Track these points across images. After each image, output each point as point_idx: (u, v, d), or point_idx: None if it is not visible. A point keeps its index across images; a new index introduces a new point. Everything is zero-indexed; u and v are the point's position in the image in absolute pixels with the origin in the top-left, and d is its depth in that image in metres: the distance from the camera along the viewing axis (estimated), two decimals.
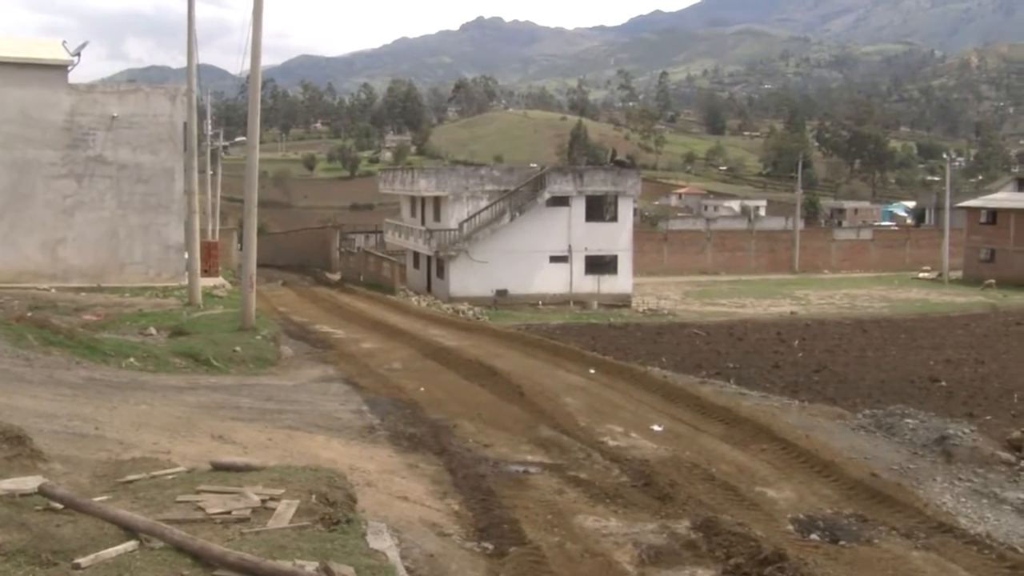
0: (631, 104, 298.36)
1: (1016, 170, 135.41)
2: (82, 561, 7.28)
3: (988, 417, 24.41)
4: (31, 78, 42.91)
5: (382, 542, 9.31)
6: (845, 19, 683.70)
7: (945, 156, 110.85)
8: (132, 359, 23.77)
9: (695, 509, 14.01)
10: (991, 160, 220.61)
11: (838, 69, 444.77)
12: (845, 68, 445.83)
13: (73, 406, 16.00)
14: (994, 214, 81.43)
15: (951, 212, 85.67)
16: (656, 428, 20.36)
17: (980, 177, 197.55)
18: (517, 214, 61.61)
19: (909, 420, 21.53)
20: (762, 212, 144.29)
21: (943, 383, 30.34)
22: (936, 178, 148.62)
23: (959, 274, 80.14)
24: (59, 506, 8.60)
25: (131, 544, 7.72)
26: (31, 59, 43.69)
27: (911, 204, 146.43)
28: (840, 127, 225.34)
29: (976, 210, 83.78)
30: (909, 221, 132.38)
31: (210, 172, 67.83)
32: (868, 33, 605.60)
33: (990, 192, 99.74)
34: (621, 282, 63.47)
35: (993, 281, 74.35)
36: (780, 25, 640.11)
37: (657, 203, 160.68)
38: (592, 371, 28.53)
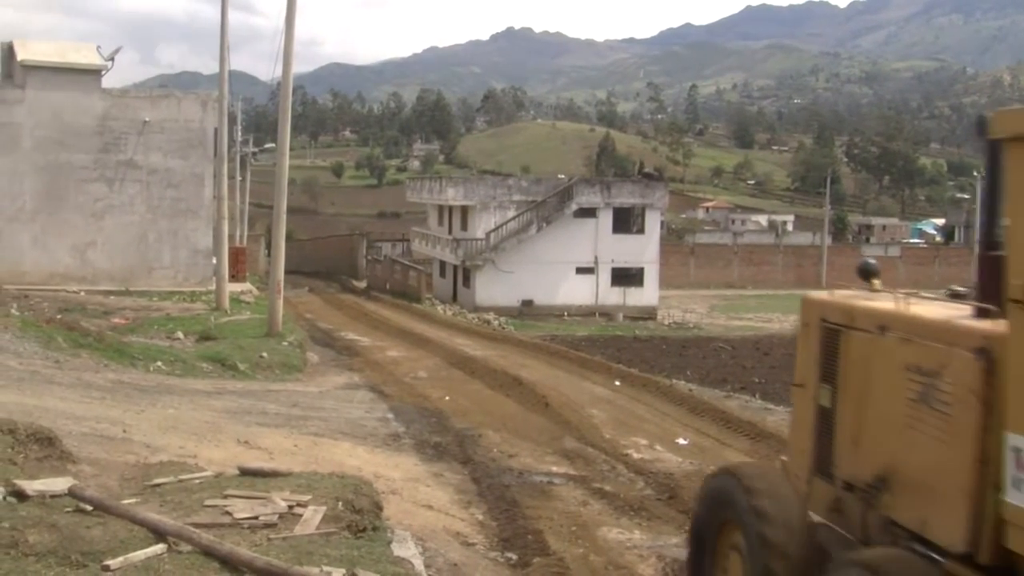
0: (660, 117, 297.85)
1: None
2: (111, 563, 7.34)
3: None
4: (65, 82, 43.24)
5: (407, 550, 9.36)
6: (876, 35, 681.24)
7: (975, 174, 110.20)
8: (160, 363, 23.90)
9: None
10: None
11: (868, 85, 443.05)
12: (875, 84, 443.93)
13: (101, 408, 16.12)
14: None
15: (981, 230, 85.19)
16: (681, 441, 20.30)
17: None
18: (544, 225, 61.65)
19: None
20: (790, 227, 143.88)
21: None
22: (966, 196, 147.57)
23: None
24: (88, 508, 8.67)
25: (159, 547, 7.78)
26: (66, 64, 44.04)
27: (940, 222, 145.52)
28: (869, 143, 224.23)
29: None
30: (938, 239, 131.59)
31: (239, 178, 68.21)
32: (899, 49, 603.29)
33: None
34: (647, 294, 63.42)
35: None
36: (810, 40, 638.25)
37: (684, 216, 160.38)
38: (617, 383, 28.48)
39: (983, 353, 6.45)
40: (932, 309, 7.74)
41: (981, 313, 6.81)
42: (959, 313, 7.35)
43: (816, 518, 8.54)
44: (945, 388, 6.85)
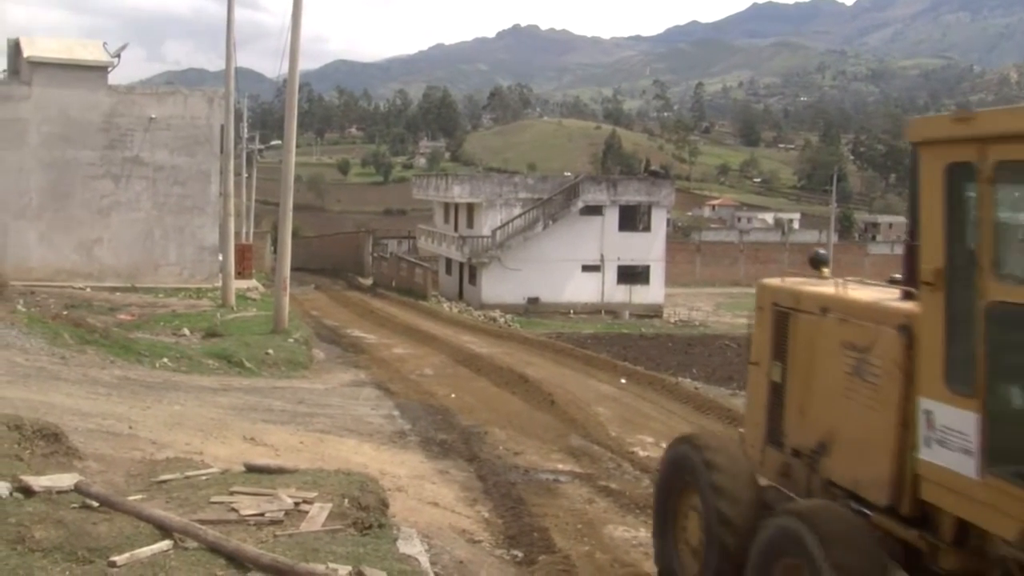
0: (666, 114, 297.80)
1: None
2: (117, 559, 7.35)
3: None
4: (72, 79, 43.27)
5: (413, 547, 9.34)
6: (883, 33, 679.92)
7: None
8: (166, 359, 23.92)
9: None
10: None
11: (875, 83, 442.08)
12: (882, 82, 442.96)
13: (107, 405, 16.13)
14: None
15: None
16: None
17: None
18: (550, 222, 61.65)
19: None
20: (796, 225, 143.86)
21: None
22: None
23: None
24: (95, 504, 8.68)
25: (166, 544, 7.78)
26: (72, 60, 44.07)
27: None
28: (876, 141, 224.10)
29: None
30: None
31: (245, 175, 68.24)
32: (906, 47, 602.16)
33: None
34: (653, 292, 63.41)
35: None
36: (817, 38, 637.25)
37: (690, 214, 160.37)
38: (623, 381, 28.48)
39: (904, 330, 7.47)
40: (866, 293, 8.87)
41: (906, 296, 7.84)
42: (888, 296, 8.41)
43: (767, 482, 9.53)
44: (874, 362, 7.90)
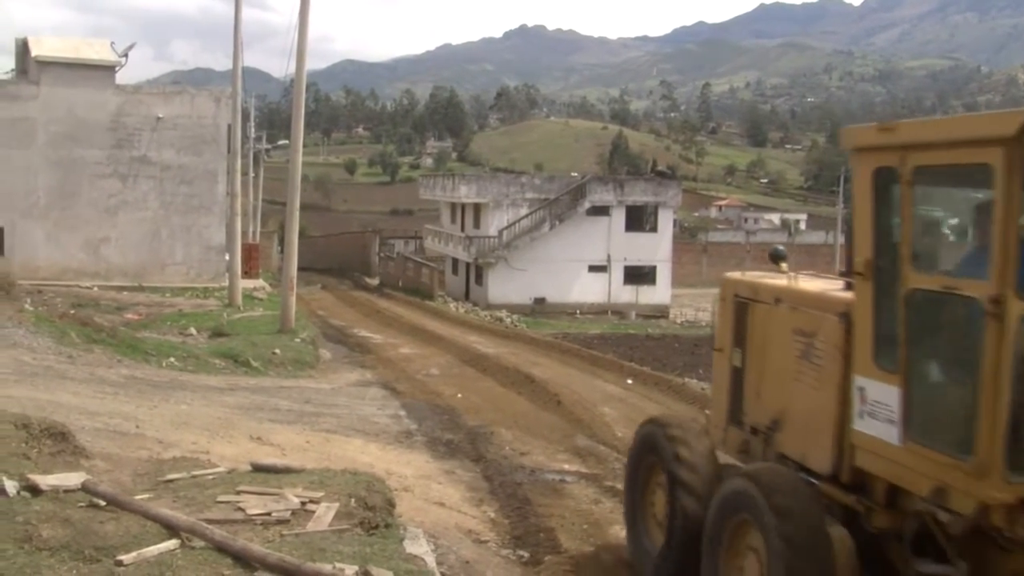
0: (672, 115, 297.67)
1: None
2: (124, 558, 7.36)
3: None
4: (79, 78, 43.41)
5: (419, 547, 9.35)
6: (890, 33, 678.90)
7: None
8: (172, 359, 23.96)
9: None
10: None
11: (882, 84, 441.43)
12: (889, 83, 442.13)
13: (114, 404, 16.16)
14: None
15: None
16: None
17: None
18: (557, 223, 61.64)
19: None
20: (803, 226, 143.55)
21: None
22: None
23: None
24: (102, 503, 8.69)
25: (172, 543, 7.80)
26: (80, 60, 44.21)
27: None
28: None
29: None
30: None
31: (252, 175, 68.30)
32: (913, 48, 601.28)
33: None
34: (659, 293, 63.38)
35: None
36: (824, 38, 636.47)
37: (697, 215, 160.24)
38: (629, 381, 28.46)
39: (844, 316, 8.42)
40: (814, 284, 9.93)
41: (848, 286, 8.76)
42: (833, 287, 9.46)
43: (729, 459, 10.42)
44: (819, 345, 8.86)
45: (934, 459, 7.26)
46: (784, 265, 10.95)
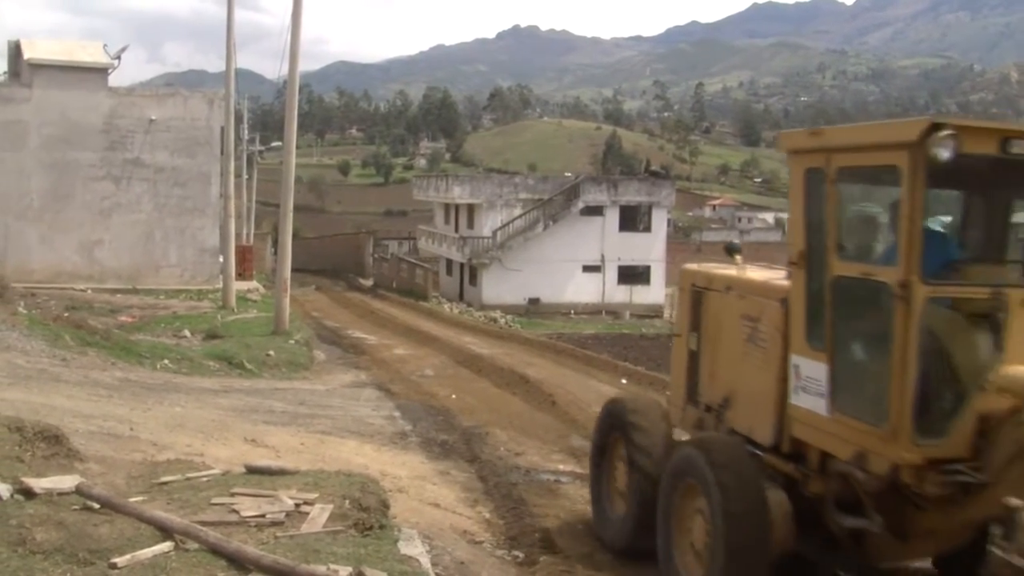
0: (666, 114, 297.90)
1: None
2: (118, 561, 7.34)
3: None
4: (72, 81, 43.29)
5: (414, 548, 9.34)
6: (883, 32, 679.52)
7: None
8: (166, 361, 23.92)
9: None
10: None
11: (875, 83, 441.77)
12: (882, 82, 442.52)
13: (108, 407, 16.13)
14: None
15: None
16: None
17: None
18: (551, 223, 61.71)
19: None
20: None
21: None
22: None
23: None
24: (96, 506, 8.66)
25: (167, 545, 7.77)
26: (72, 62, 44.09)
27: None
28: None
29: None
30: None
31: (245, 176, 68.26)
32: (906, 47, 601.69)
33: None
34: (654, 292, 63.47)
35: None
36: (817, 38, 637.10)
37: (691, 214, 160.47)
38: (624, 381, 28.48)
39: (784, 302, 9.40)
40: (760, 274, 10.89)
41: (788, 275, 9.53)
42: (776, 276, 10.38)
43: (686, 436, 11.31)
44: (762, 329, 9.85)
45: (855, 427, 8.33)
46: (738, 257, 11.80)
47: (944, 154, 7.37)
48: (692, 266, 12.35)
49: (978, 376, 7.87)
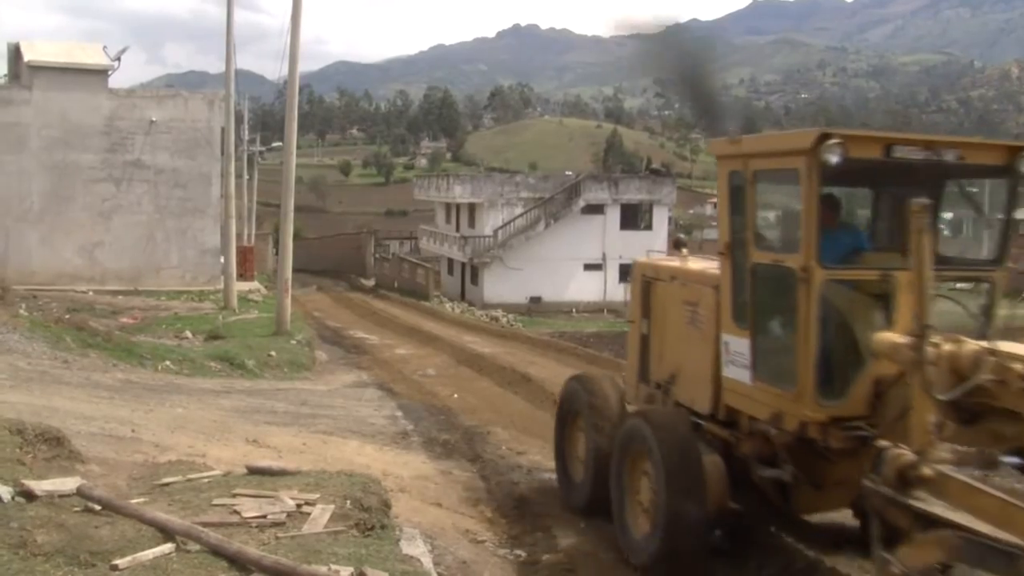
0: (667, 112, 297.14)
1: None
2: (120, 562, 7.34)
3: None
4: (72, 82, 43.31)
5: (416, 548, 9.35)
6: (883, 29, 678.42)
7: None
8: (168, 362, 23.92)
9: (729, 519, 13.91)
10: None
11: (876, 79, 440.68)
12: (883, 78, 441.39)
13: (110, 408, 16.13)
14: None
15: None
16: None
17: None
18: (552, 222, 61.67)
19: None
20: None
21: None
22: (974, 189, 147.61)
23: None
24: (97, 507, 8.67)
25: (168, 546, 7.78)
26: (73, 64, 44.10)
27: (948, 216, 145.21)
28: None
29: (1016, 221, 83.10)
30: (946, 233, 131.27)
31: (246, 177, 68.23)
32: (906, 43, 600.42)
33: None
34: None
35: None
36: (817, 35, 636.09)
37: (692, 212, 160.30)
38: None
39: (716, 288, 10.75)
40: (700, 264, 12.32)
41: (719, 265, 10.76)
42: (712, 266, 11.44)
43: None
44: (700, 312, 11.23)
45: (772, 392, 9.74)
46: (685, 251, 13.26)
47: (833, 159, 8.72)
48: (642, 259, 13.83)
49: None
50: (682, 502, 10.12)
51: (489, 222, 62.83)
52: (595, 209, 62.70)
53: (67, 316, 28.03)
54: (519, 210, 62.66)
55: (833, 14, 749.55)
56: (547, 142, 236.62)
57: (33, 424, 11.03)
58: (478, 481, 15.25)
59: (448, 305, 59.09)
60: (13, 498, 8.67)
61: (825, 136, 8.74)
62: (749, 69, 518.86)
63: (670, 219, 74.94)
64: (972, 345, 7.48)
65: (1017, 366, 6.92)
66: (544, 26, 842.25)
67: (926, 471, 7.44)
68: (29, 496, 8.75)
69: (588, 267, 62.20)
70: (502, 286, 61.07)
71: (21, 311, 26.70)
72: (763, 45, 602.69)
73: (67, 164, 43.39)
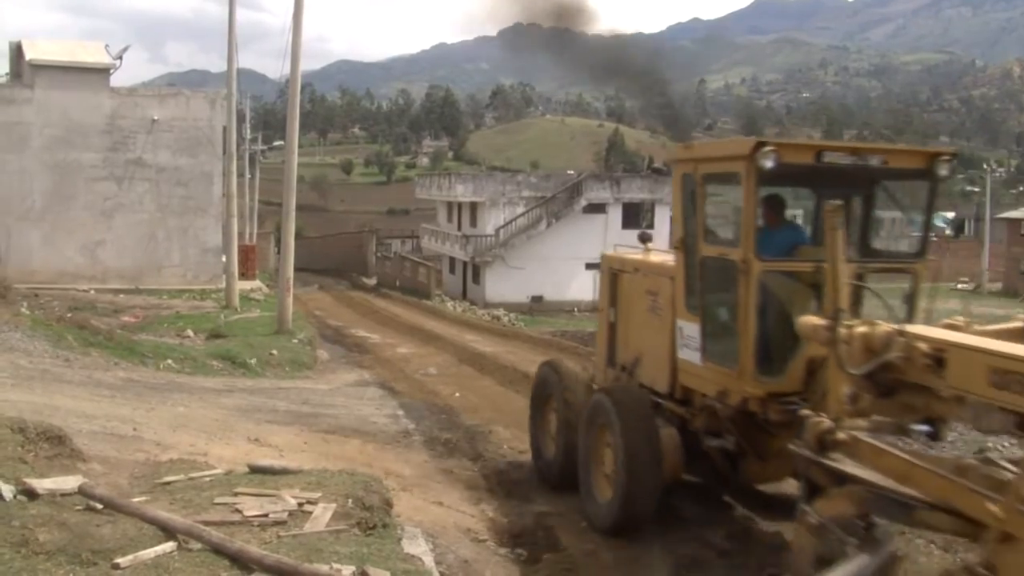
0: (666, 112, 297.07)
1: None
2: (121, 561, 7.34)
3: None
4: (74, 81, 43.31)
5: (417, 547, 9.35)
6: (885, 28, 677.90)
7: (985, 167, 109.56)
8: (170, 361, 23.91)
9: (730, 519, 13.91)
10: None
11: (877, 78, 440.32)
12: (884, 77, 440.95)
13: (111, 407, 16.12)
14: None
15: (991, 223, 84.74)
16: None
17: (1021, 188, 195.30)
18: (553, 220, 61.67)
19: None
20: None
21: None
22: (976, 189, 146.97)
23: (998, 286, 79.22)
24: (99, 506, 8.67)
25: (169, 545, 7.78)
26: (74, 63, 44.09)
27: (950, 215, 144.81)
28: (879, 137, 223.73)
29: (1017, 221, 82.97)
30: (948, 232, 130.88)
31: (248, 176, 68.22)
32: (908, 42, 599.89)
33: None
34: None
35: None
36: (819, 34, 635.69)
37: None
38: None
39: (673, 279, 11.85)
40: (660, 257, 13.47)
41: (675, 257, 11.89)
42: (670, 258, 12.37)
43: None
44: (660, 301, 12.44)
45: (718, 371, 10.90)
46: (649, 245, 14.27)
47: (768, 164, 9.80)
48: (610, 252, 15.00)
49: None
50: (640, 471, 11.29)
51: (491, 221, 62.83)
52: (597, 208, 62.68)
53: (69, 315, 28.03)
54: (521, 209, 62.65)
55: (835, 13, 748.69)
56: (549, 141, 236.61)
57: (35, 423, 11.03)
58: (480, 480, 15.24)
59: (450, 304, 59.07)
60: (15, 496, 8.67)
61: (761, 144, 9.85)
62: (751, 68, 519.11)
63: (671, 218, 74.88)
64: (884, 327, 8.10)
65: (922, 345, 7.51)
66: (546, 25, 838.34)
67: (840, 435, 8.12)
68: (31, 495, 8.75)
69: (590, 266, 61.88)
70: (504, 285, 61.07)
71: (23, 310, 26.68)
72: (765, 44, 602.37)
73: (69, 163, 43.39)
